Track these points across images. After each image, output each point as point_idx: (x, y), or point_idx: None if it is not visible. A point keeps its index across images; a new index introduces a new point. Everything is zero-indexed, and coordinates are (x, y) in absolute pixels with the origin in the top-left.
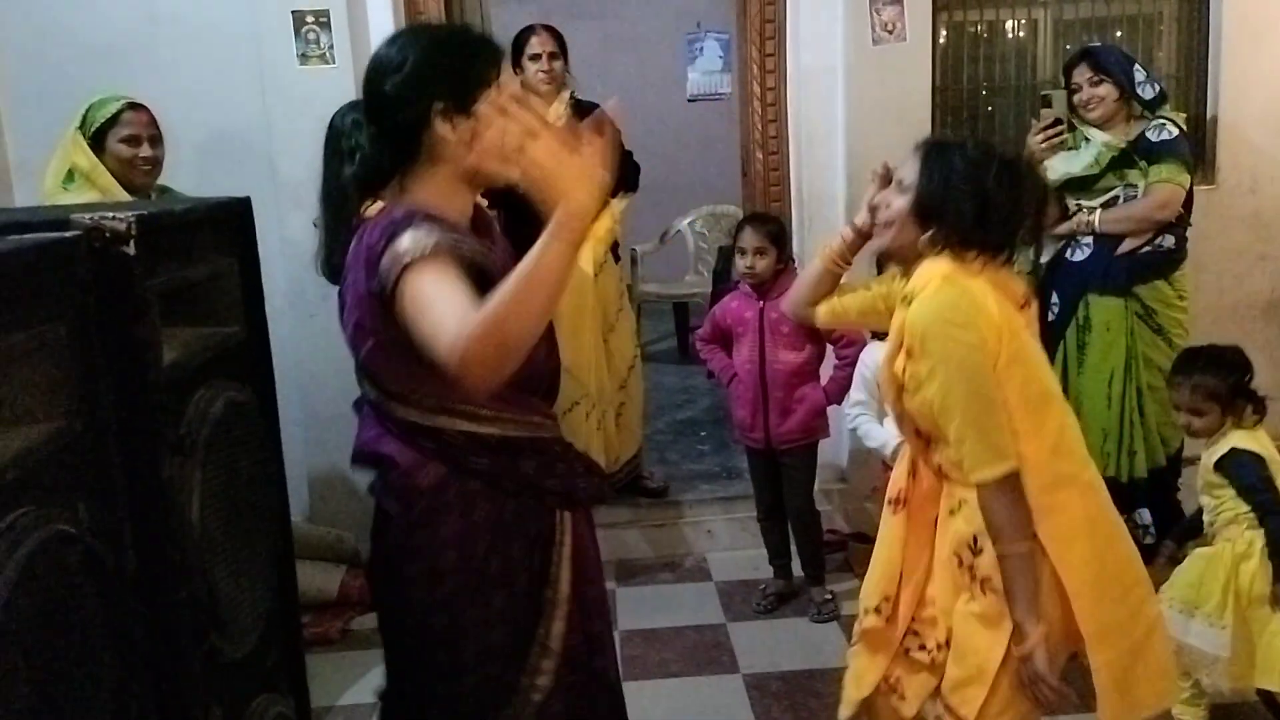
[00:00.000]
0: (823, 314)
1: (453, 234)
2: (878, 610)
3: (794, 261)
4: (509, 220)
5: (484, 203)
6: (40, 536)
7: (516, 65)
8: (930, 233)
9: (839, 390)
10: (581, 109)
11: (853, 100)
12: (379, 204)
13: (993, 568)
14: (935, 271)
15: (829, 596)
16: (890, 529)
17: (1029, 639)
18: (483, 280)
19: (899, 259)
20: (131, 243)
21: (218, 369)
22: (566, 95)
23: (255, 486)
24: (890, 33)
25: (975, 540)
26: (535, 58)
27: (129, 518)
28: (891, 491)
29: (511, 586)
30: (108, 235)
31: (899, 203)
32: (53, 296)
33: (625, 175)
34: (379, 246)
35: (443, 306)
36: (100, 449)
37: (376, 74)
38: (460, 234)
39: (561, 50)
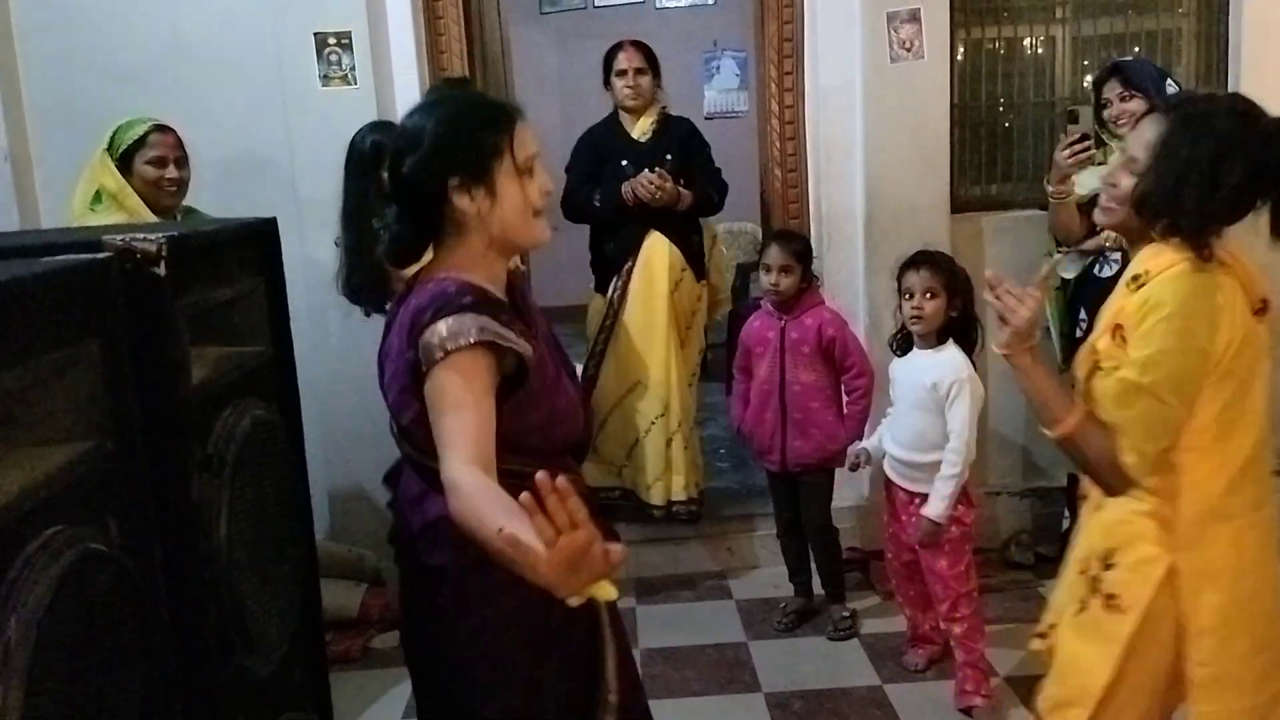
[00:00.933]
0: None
1: (496, 320)
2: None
3: (817, 280)
4: (596, 235)
5: (518, 264)
6: (73, 555)
7: (607, 83)
8: (1162, 225)
9: (858, 425)
10: (671, 123)
11: (871, 118)
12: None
13: (1122, 585)
14: (1173, 257)
15: (847, 614)
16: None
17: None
18: (518, 366)
19: (1123, 234)
20: (162, 263)
21: (244, 388)
22: (656, 110)
23: (281, 505)
24: (908, 50)
25: (1107, 555)
26: (621, 74)
27: (158, 536)
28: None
29: (570, 637)
30: (138, 256)
31: (1125, 183)
32: (84, 316)
33: (703, 205)
34: (424, 319)
35: (459, 424)
36: (130, 467)
37: (395, 154)
38: (503, 313)
39: (651, 66)
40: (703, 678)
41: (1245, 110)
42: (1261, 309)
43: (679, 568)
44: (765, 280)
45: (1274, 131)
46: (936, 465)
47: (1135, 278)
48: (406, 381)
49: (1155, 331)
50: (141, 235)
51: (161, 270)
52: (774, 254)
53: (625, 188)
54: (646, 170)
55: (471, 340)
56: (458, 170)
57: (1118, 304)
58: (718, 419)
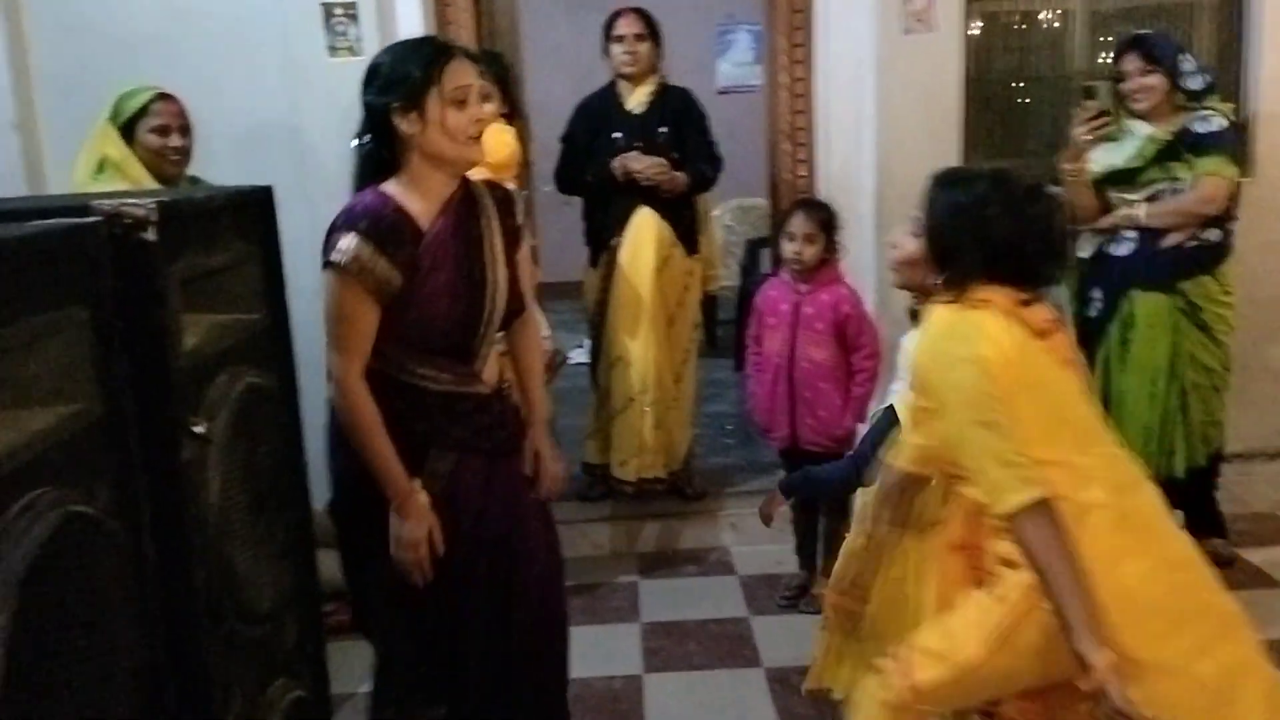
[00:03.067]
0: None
1: (378, 248)
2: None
3: (840, 251)
4: (588, 208)
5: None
6: (58, 517)
7: (606, 50)
8: (944, 276)
9: (861, 408)
10: (667, 95)
11: (883, 90)
12: None
13: (1009, 584)
14: (939, 306)
15: None
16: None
17: (1095, 668)
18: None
19: (919, 295)
20: (152, 229)
21: (239, 355)
22: (654, 80)
23: (276, 471)
24: (921, 22)
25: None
26: (619, 39)
27: (148, 501)
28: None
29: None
30: (128, 221)
31: (910, 245)
32: (73, 281)
33: (698, 184)
34: (333, 223)
35: (338, 330)
36: (119, 432)
37: (362, 87)
38: (395, 241)
39: (651, 33)
40: (704, 652)
41: (1004, 176)
42: (1045, 332)
43: (682, 543)
44: (788, 249)
45: (1031, 190)
46: None
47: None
48: None
49: (933, 378)
50: (132, 200)
51: (151, 235)
52: (799, 222)
53: (615, 164)
54: (637, 149)
55: (341, 262)
56: (396, 96)
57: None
58: (724, 394)
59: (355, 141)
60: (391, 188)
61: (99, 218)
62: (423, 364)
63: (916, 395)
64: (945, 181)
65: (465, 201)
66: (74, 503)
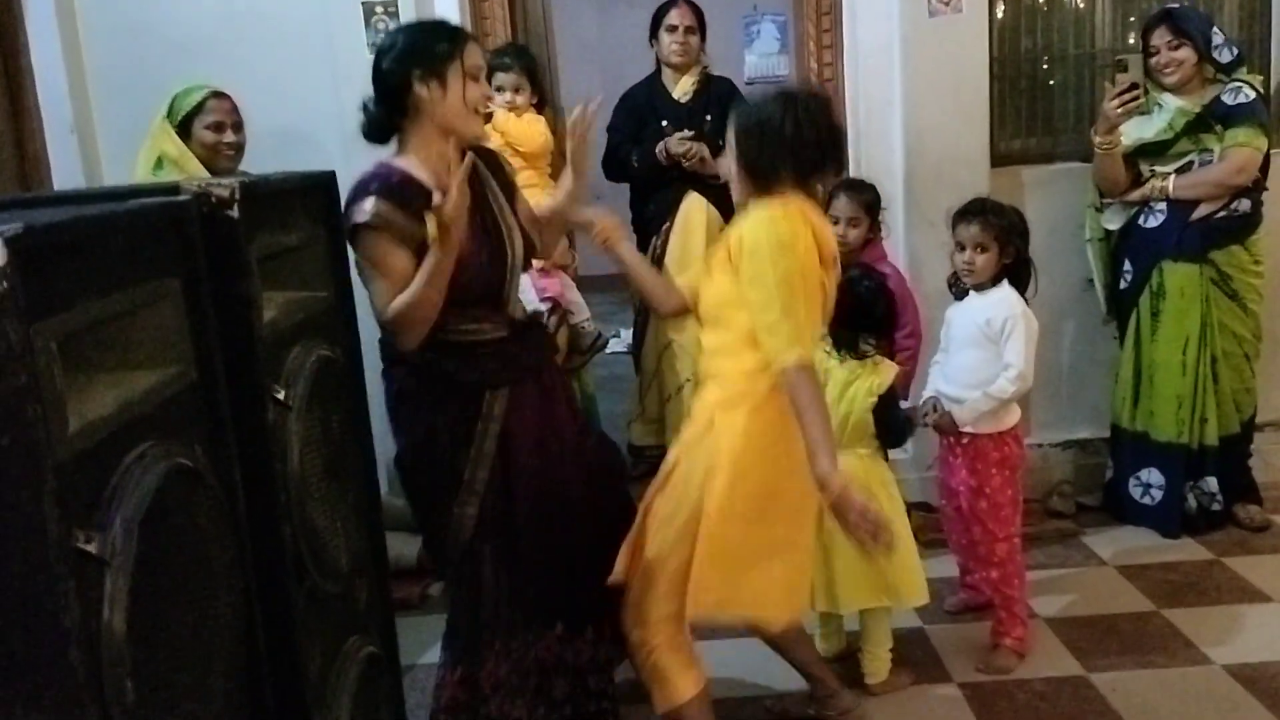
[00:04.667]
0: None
1: (395, 204)
2: None
3: (883, 231)
4: (635, 195)
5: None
6: (167, 467)
7: (654, 36)
8: (759, 184)
9: (902, 386)
10: (712, 84)
11: (910, 74)
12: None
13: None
14: (763, 205)
15: None
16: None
17: (834, 486)
18: (418, 242)
19: (740, 205)
20: (236, 206)
21: (309, 330)
22: (698, 70)
23: (345, 437)
24: (946, 5)
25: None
26: (671, 29)
27: (238, 460)
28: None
29: (450, 410)
30: (214, 200)
31: (728, 164)
32: (168, 254)
33: None
34: (346, 200)
35: (375, 288)
36: (212, 395)
37: (377, 55)
38: (408, 199)
39: (699, 26)
40: None
41: (790, 93)
42: (831, 263)
43: None
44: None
45: (812, 99)
46: None
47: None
48: None
49: (760, 251)
50: (215, 181)
51: (235, 213)
52: (843, 205)
53: (659, 147)
54: (681, 131)
55: (365, 220)
56: (419, 64)
57: (723, 247)
58: None
59: (362, 105)
60: (396, 161)
61: (189, 196)
62: (464, 319)
63: (735, 260)
64: (746, 109)
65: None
66: (178, 456)
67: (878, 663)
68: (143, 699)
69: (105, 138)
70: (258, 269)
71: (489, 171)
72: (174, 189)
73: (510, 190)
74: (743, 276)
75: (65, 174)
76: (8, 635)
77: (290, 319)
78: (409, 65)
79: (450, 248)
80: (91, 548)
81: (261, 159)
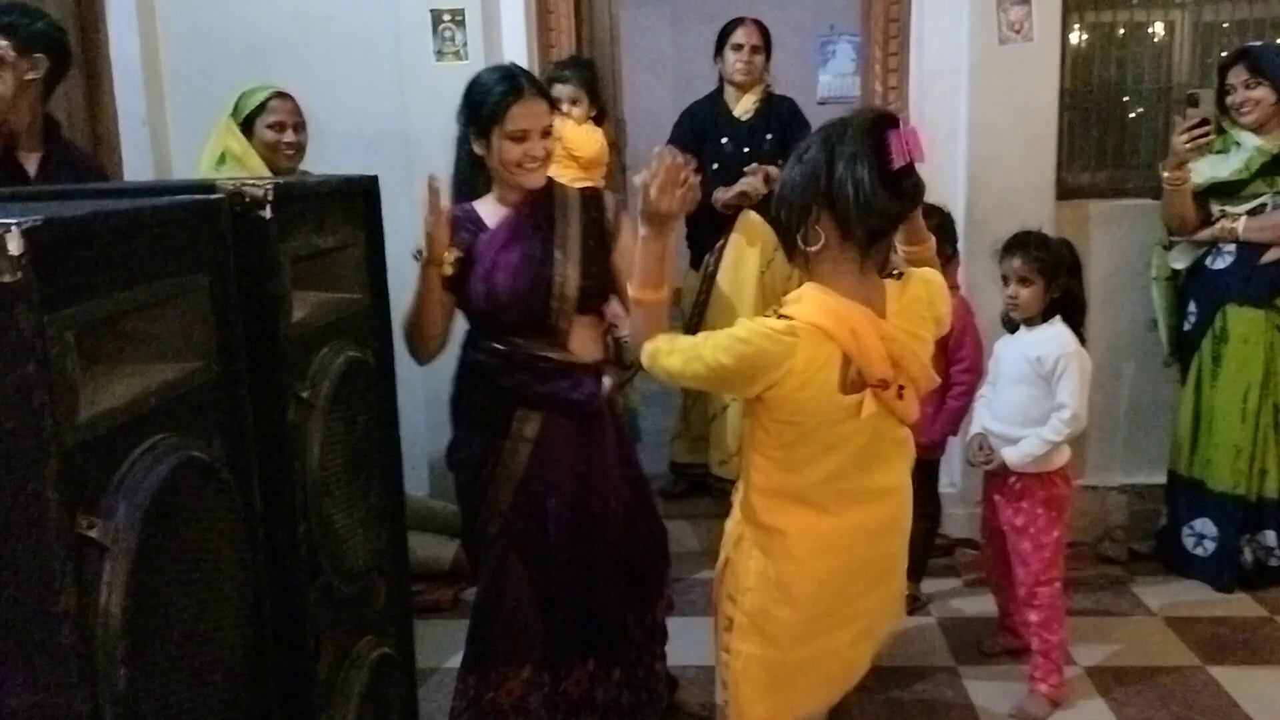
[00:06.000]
0: None
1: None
2: None
3: (957, 254)
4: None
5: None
6: (178, 459)
7: (718, 54)
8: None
9: (952, 421)
10: (774, 103)
11: (977, 101)
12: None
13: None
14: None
15: (918, 597)
16: None
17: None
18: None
19: None
20: (268, 207)
21: (341, 331)
22: (760, 89)
23: (371, 440)
24: (1017, 33)
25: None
26: (737, 48)
27: (256, 456)
28: None
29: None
30: (247, 200)
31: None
32: (198, 250)
33: None
34: None
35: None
36: (233, 391)
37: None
38: (463, 228)
39: (765, 46)
40: None
41: (839, 127)
42: (876, 385)
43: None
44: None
45: (858, 125)
46: None
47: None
48: None
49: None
50: (251, 181)
51: (267, 213)
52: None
53: (715, 198)
54: (745, 174)
55: (412, 252)
56: (470, 122)
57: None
58: None
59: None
60: (482, 195)
61: (222, 195)
62: (498, 340)
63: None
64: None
65: (541, 203)
66: (192, 449)
67: None
68: (135, 686)
69: (176, 133)
70: (291, 269)
71: (580, 209)
72: (210, 187)
73: (600, 231)
74: None
75: (137, 166)
76: (8, 615)
77: (321, 319)
78: (465, 122)
79: (427, 274)
80: (94, 533)
81: (326, 162)
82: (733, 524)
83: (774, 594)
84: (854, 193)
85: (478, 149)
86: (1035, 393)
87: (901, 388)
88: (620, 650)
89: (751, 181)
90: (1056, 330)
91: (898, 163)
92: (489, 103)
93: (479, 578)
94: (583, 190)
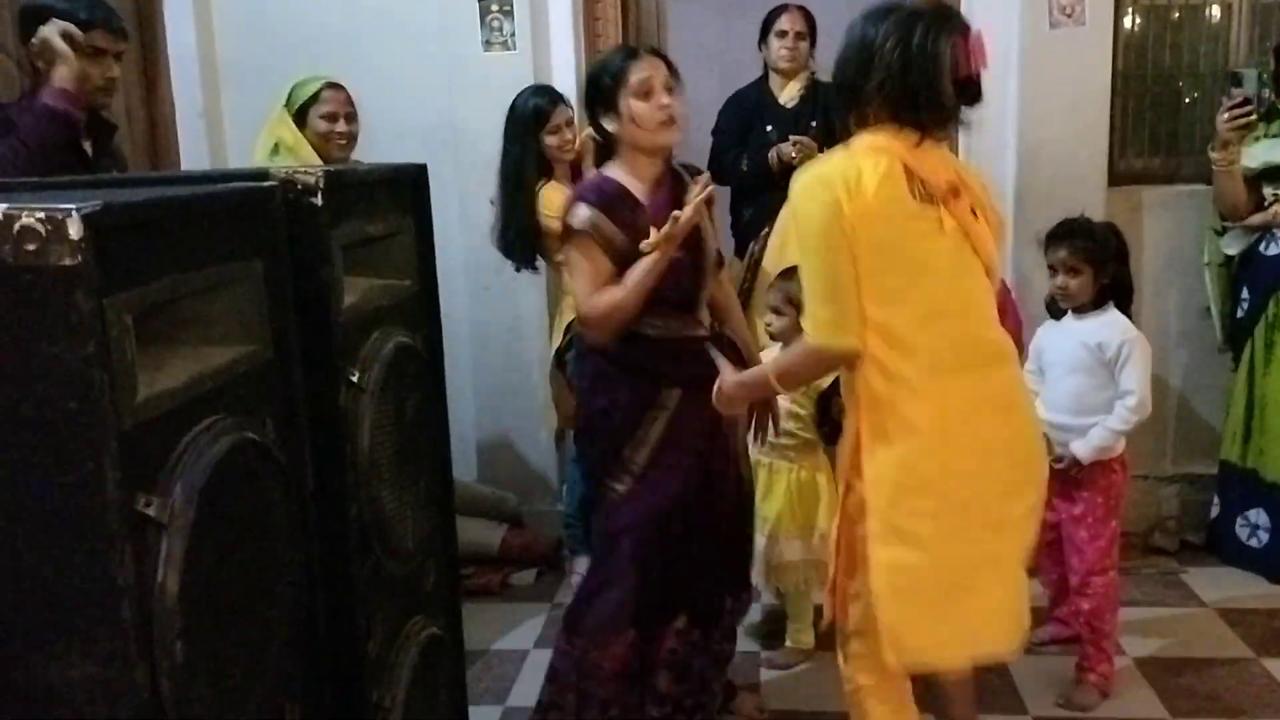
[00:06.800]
0: None
1: (609, 214)
2: None
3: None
4: (737, 199)
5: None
6: (233, 439)
7: (763, 41)
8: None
9: None
10: (819, 89)
11: (1027, 85)
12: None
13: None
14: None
15: None
16: None
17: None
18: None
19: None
20: (319, 194)
21: (391, 316)
22: (805, 76)
23: (420, 424)
24: (1069, 16)
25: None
26: (782, 35)
27: (308, 438)
28: None
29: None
30: (299, 187)
31: None
32: (252, 237)
33: None
34: (571, 201)
35: (581, 279)
36: (286, 374)
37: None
38: (618, 209)
39: (810, 32)
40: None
41: (914, 11)
42: (947, 197)
43: None
44: None
45: (932, 24)
46: None
47: None
48: None
49: (799, 217)
50: (303, 169)
51: (319, 200)
52: None
53: (771, 155)
54: (791, 139)
55: (579, 225)
56: (597, 103)
57: None
58: None
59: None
60: (611, 170)
61: (275, 183)
62: (655, 315)
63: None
64: (865, 14)
65: (674, 177)
66: (247, 430)
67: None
68: (192, 660)
69: (231, 123)
70: (341, 255)
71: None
72: (263, 175)
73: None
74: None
75: (193, 155)
76: (69, 588)
77: (372, 305)
78: (593, 107)
79: (664, 260)
80: (151, 511)
81: (376, 152)
82: (848, 442)
83: (903, 479)
84: (926, 86)
85: (607, 125)
86: (1094, 381)
87: (974, 211)
88: (712, 618)
89: (784, 148)
90: (1114, 316)
91: (967, 69)
92: (610, 70)
93: (598, 550)
94: (684, 167)
